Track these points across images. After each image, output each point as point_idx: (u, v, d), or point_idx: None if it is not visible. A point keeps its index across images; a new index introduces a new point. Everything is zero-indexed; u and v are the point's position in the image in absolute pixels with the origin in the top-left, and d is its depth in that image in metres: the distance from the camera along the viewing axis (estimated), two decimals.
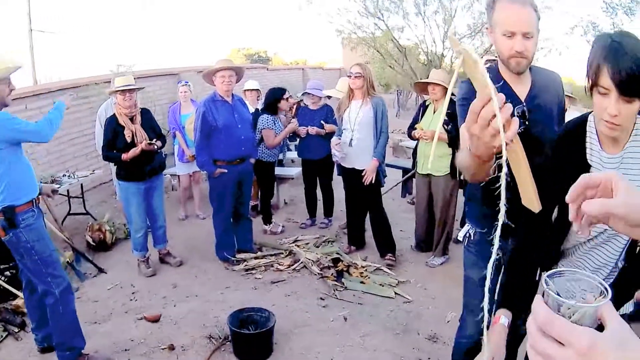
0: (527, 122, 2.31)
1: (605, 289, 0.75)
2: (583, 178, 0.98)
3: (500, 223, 0.95)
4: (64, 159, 7.87)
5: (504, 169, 0.95)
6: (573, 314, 0.70)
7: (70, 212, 6.74)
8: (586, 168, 1.91)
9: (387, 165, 7.49)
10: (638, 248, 1.97)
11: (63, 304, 3.49)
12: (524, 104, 2.35)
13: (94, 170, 6.98)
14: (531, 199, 1.13)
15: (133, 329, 4.19)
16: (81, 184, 6.67)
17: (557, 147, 2.03)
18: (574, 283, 0.79)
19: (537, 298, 0.75)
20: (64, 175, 6.51)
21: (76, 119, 8.18)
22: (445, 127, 4.97)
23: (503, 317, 1.98)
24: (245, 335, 3.80)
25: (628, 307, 2.11)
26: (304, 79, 19.97)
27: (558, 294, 0.73)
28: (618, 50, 1.64)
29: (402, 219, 6.72)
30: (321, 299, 4.70)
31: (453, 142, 4.99)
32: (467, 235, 2.82)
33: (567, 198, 1.01)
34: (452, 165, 5.17)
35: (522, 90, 2.39)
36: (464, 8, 14.41)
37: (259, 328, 3.86)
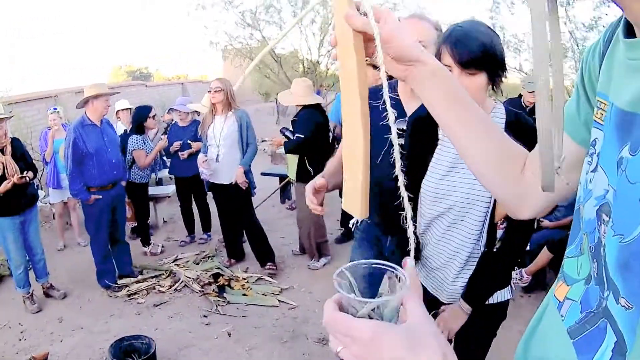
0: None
1: (403, 276, 0.68)
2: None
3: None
4: None
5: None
6: (362, 308, 0.64)
7: None
8: (435, 142, 2.01)
9: (264, 174, 7.41)
10: (499, 232, 1.96)
11: None
12: (407, 118, 2.34)
13: None
14: (355, 202, 0.86)
15: None
16: None
17: (415, 126, 2.12)
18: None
19: (328, 300, 0.67)
20: None
21: None
22: (283, 132, 5.20)
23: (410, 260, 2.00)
24: None
25: (504, 295, 2.08)
26: (184, 94, 19.47)
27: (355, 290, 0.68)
28: (457, 32, 1.78)
29: (283, 225, 6.66)
30: (204, 316, 4.52)
31: (288, 146, 5.15)
32: (356, 221, 2.81)
33: None
34: (300, 170, 5.19)
35: (412, 106, 2.38)
36: None
37: (141, 356, 3.65)
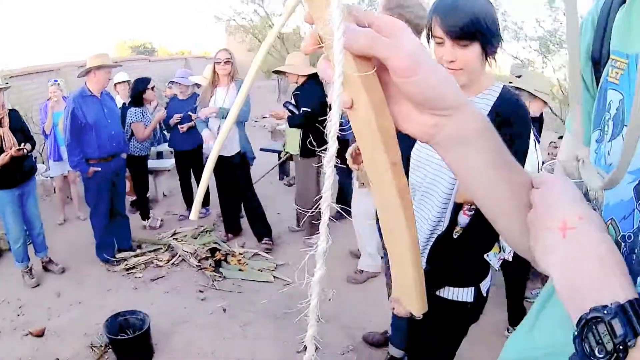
0: None
1: None
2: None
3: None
4: None
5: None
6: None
7: None
8: None
9: (264, 150, 7.29)
10: (463, 217, 1.83)
11: None
12: None
13: None
14: (409, 294, 0.64)
15: (20, 346, 3.83)
16: None
17: None
18: None
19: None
20: None
21: None
22: (286, 106, 5.02)
23: None
24: (122, 341, 3.54)
25: (465, 295, 1.92)
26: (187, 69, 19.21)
27: None
28: (447, 2, 1.68)
29: (280, 201, 6.56)
30: (200, 291, 4.46)
31: (293, 121, 5.01)
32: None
33: None
34: (303, 144, 5.07)
35: None
36: None
37: (136, 331, 3.59)
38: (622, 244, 0.57)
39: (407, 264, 0.61)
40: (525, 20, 10.62)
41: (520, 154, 1.69)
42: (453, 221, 1.83)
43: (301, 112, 4.90)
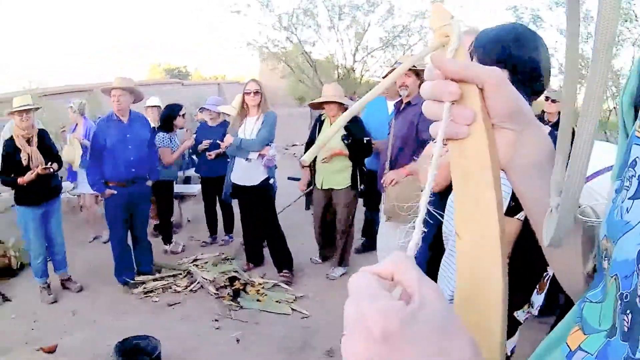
0: None
1: None
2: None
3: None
4: None
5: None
6: None
7: None
8: None
9: (291, 179, 7.25)
10: None
11: None
12: None
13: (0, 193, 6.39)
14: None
15: None
16: None
17: None
18: None
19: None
20: None
21: None
22: (345, 141, 4.89)
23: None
24: None
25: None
26: (220, 94, 19.45)
27: None
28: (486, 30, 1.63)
29: (306, 231, 6.46)
30: (215, 320, 4.37)
31: (353, 155, 4.96)
32: None
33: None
34: (353, 178, 5.04)
35: None
36: (377, 23, 14.35)
37: (147, 356, 3.52)
38: (619, 301, 0.53)
39: (493, 326, 0.55)
40: (558, 48, 10.29)
41: None
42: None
43: (365, 142, 4.90)
